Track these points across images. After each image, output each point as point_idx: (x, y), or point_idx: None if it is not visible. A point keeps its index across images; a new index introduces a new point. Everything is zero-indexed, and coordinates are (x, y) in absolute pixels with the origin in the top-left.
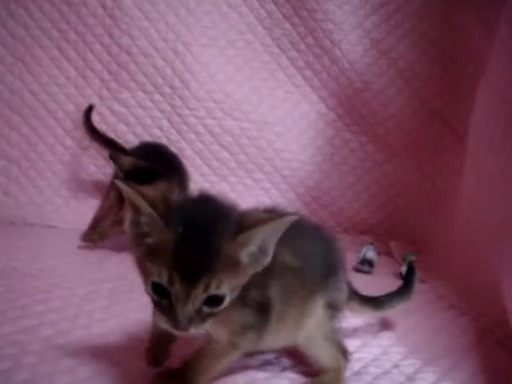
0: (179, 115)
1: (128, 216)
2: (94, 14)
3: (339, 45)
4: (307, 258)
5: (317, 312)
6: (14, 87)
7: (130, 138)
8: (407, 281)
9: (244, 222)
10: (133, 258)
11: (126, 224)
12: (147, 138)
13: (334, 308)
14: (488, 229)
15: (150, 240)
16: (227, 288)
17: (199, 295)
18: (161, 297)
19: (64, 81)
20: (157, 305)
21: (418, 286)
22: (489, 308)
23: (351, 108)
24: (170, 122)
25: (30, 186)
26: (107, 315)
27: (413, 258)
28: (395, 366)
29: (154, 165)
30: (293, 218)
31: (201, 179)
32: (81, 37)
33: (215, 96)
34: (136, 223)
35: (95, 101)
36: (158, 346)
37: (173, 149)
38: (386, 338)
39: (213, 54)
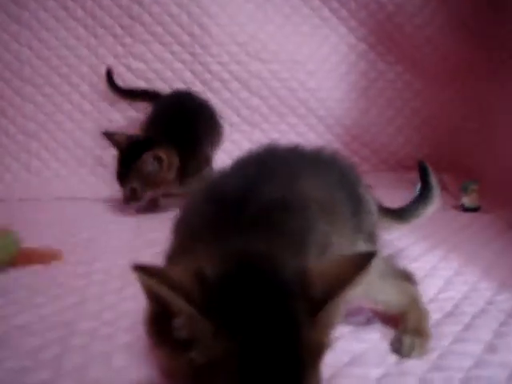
0: (202, 64)
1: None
2: None
3: None
4: (334, 192)
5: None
6: (22, 56)
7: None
8: (424, 183)
9: (316, 292)
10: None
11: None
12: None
13: (373, 236)
14: None
15: (194, 355)
16: None
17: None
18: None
19: (74, 42)
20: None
21: (485, 217)
22: None
23: (383, 35)
24: (192, 72)
25: (53, 159)
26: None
27: (473, 187)
28: (490, 303)
29: (150, 133)
30: (372, 261)
31: (231, 129)
32: None
33: (238, 38)
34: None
35: (110, 60)
36: None
37: None
38: (469, 274)
39: None
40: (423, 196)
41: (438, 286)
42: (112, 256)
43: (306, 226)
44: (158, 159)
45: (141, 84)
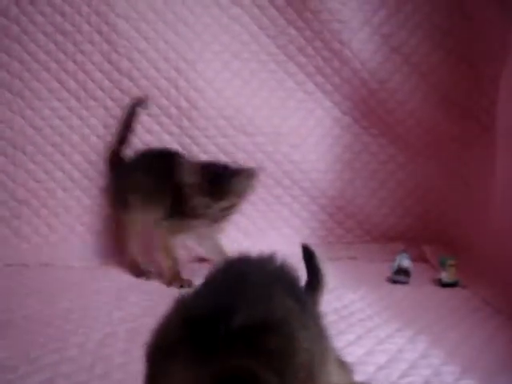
0: (189, 136)
1: None
2: (91, 41)
3: (349, 45)
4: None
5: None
6: (14, 124)
7: None
8: (310, 268)
9: None
10: None
11: None
12: None
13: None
14: None
15: None
16: None
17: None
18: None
19: (66, 113)
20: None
21: (462, 293)
22: None
23: (367, 110)
24: (180, 144)
25: (43, 225)
26: (127, 359)
27: (451, 262)
28: None
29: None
30: None
31: None
32: (79, 66)
33: (225, 112)
34: None
35: (100, 130)
36: None
37: None
38: (434, 357)
39: (217, 68)
40: (310, 285)
41: (401, 369)
42: (88, 330)
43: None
44: None
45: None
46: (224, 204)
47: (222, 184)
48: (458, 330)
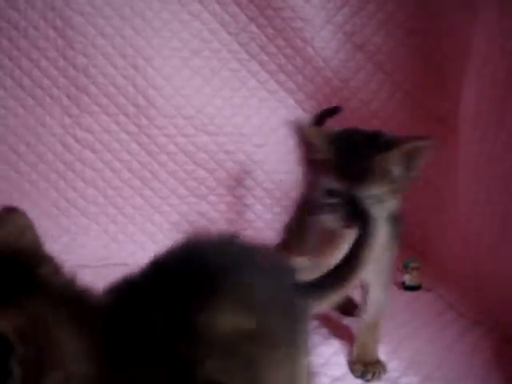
0: (148, 136)
1: None
2: (46, 37)
3: (311, 43)
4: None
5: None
6: None
7: (98, 166)
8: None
9: None
10: None
11: None
12: (116, 164)
13: None
14: (490, 225)
15: None
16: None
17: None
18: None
19: (21, 111)
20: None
21: (425, 296)
22: (506, 316)
23: None
24: (138, 143)
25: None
26: None
27: (415, 264)
28: None
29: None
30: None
31: (178, 201)
32: (34, 63)
33: (184, 111)
34: None
35: (57, 130)
36: None
37: (145, 172)
38: (393, 368)
39: (177, 65)
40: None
41: (357, 383)
42: None
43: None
44: None
45: (88, 154)
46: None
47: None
48: (420, 337)
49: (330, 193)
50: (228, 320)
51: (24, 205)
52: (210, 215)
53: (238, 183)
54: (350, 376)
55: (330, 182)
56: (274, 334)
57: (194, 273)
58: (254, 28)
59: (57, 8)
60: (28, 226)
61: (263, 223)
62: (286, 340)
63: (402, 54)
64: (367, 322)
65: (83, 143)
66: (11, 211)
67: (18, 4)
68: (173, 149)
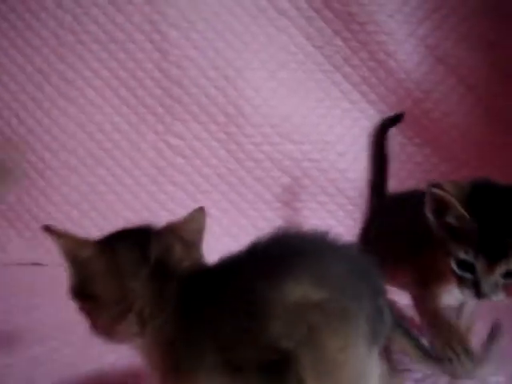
0: (236, 143)
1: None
2: (143, 49)
3: (394, 56)
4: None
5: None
6: (67, 130)
7: (188, 171)
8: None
9: None
10: None
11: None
12: (205, 170)
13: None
14: None
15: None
16: None
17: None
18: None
19: (118, 119)
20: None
21: None
22: None
23: (412, 120)
24: (227, 150)
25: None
26: None
27: None
28: None
29: None
30: None
31: (264, 206)
32: (130, 73)
33: (271, 120)
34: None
35: (151, 136)
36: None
37: (231, 178)
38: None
39: (264, 77)
40: None
41: None
42: None
43: None
44: None
45: (179, 160)
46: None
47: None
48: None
49: (463, 264)
50: (297, 290)
51: (117, 206)
52: (294, 220)
53: (321, 190)
54: None
55: (465, 254)
56: (343, 308)
57: (277, 252)
58: (338, 41)
59: (154, 22)
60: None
61: (344, 229)
62: (355, 316)
63: (484, 67)
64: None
65: (175, 149)
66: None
67: (118, 19)
68: (260, 156)
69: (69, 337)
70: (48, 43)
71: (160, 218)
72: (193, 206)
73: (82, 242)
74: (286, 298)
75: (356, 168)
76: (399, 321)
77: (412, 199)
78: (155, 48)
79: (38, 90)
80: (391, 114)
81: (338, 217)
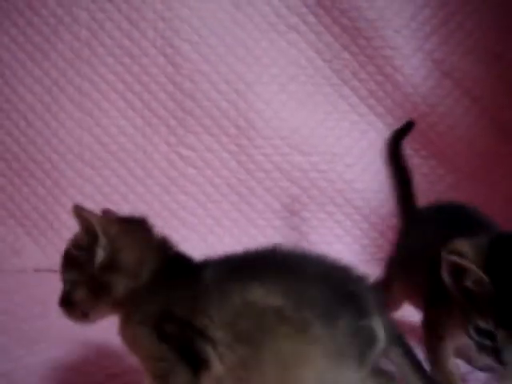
0: (247, 154)
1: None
2: (156, 63)
3: (401, 70)
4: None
5: None
6: (83, 141)
7: (199, 181)
8: None
9: None
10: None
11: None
12: (216, 180)
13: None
14: None
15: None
16: None
17: None
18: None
19: (132, 130)
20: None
21: None
22: None
23: (418, 133)
24: (237, 161)
25: None
26: None
27: None
28: None
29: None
30: None
31: (273, 216)
32: (145, 87)
33: (281, 132)
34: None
35: (163, 148)
36: None
37: (241, 189)
38: None
39: (275, 90)
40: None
41: None
42: None
43: None
44: None
45: (190, 171)
46: None
47: None
48: None
49: (483, 332)
50: (259, 291)
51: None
52: (302, 229)
53: (329, 200)
54: None
55: (486, 323)
56: (303, 319)
57: (262, 261)
58: (346, 55)
59: (166, 37)
60: None
61: (351, 238)
62: (317, 331)
63: (490, 80)
64: None
65: (187, 160)
66: None
67: (132, 33)
68: (269, 167)
69: (81, 342)
70: (64, 55)
71: (172, 226)
72: (204, 214)
73: (111, 220)
74: (244, 293)
75: (363, 179)
76: (401, 340)
77: (442, 216)
78: (168, 62)
79: (47, 94)
80: (398, 126)
81: (346, 226)
